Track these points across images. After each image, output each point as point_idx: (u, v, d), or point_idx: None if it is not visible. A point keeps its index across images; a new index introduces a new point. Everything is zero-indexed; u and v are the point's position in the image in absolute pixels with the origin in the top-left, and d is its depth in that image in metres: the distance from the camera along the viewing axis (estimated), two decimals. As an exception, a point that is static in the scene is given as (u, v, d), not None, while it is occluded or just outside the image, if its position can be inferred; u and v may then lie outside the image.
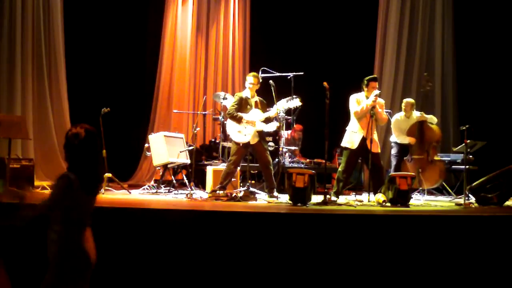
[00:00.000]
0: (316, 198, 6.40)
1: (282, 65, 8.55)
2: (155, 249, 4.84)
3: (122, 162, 8.85)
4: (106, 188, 7.18)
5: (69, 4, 9.07)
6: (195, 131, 7.72)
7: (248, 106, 7.02)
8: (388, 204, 6.50)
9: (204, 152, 8.90)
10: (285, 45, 10.44)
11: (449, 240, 5.14)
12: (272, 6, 10.56)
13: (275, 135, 8.24)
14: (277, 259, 4.92)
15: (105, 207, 5.27)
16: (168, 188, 7.69)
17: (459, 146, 7.97)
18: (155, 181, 8.06)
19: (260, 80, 7.21)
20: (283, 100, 7.44)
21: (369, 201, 6.71)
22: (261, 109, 7.05)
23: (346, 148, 6.91)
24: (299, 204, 6.15)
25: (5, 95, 8.18)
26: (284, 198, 6.63)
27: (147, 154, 8.28)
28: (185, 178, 7.73)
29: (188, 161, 7.75)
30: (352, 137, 6.85)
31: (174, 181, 7.92)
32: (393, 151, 7.94)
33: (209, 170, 7.63)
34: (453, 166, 8.59)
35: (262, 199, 6.77)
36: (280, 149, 8.17)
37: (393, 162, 7.84)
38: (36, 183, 7.43)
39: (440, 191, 8.41)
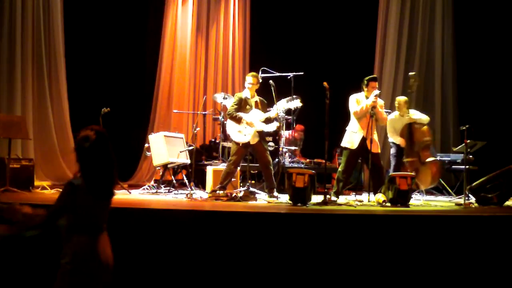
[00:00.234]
0: (316, 198, 6.40)
1: (282, 65, 8.55)
2: (155, 249, 4.84)
3: (122, 162, 8.80)
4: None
5: (69, 4, 9.06)
6: (195, 131, 7.72)
7: (248, 106, 7.02)
8: (388, 204, 6.50)
9: (204, 152, 8.90)
10: (285, 45, 10.43)
11: (449, 240, 5.14)
12: (272, 6, 10.56)
13: (275, 135, 8.24)
14: (277, 259, 4.92)
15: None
16: (168, 188, 7.69)
17: (459, 146, 7.96)
18: (155, 181, 8.05)
19: (260, 80, 7.21)
20: (283, 100, 7.45)
21: (369, 201, 6.71)
22: (262, 109, 7.05)
23: (346, 148, 6.91)
24: (299, 204, 6.15)
25: (5, 95, 8.18)
26: (284, 198, 6.62)
27: (147, 154, 8.28)
28: (185, 178, 7.73)
29: (188, 161, 7.75)
30: (352, 137, 6.85)
31: (174, 181, 7.92)
32: (392, 151, 7.93)
33: (209, 170, 7.64)
34: (453, 166, 8.59)
35: (262, 199, 6.77)
36: (280, 149, 8.17)
37: (392, 162, 7.84)
38: (36, 183, 7.44)
39: (440, 191, 8.41)
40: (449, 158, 8.66)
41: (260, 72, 8.02)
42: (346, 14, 10.44)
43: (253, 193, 6.85)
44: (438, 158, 7.69)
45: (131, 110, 9.71)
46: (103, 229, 3.08)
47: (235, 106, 7.01)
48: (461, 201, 6.94)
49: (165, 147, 7.60)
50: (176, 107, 9.83)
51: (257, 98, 7.13)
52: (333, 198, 6.70)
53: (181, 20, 10.13)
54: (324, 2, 10.56)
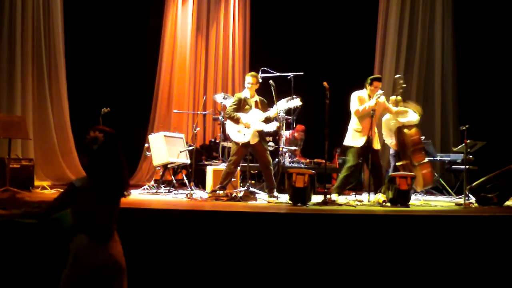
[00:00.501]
0: (316, 198, 6.40)
1: (282, 65, 8.55)
2: (155, 249, 4.84)
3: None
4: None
5: (69, 4, 9.07)
6: (195, 131, 7.72)
7: (247, 106, 7.01)
8: (388, 204, 6.50)
9: (204, 152, 8.90)
10: (285, 45, 10.43)
11: (449, 240, 5.14)
12: (272, 6, 10.56)
13: (275, 135, 8.24)
14: (277, 259, 4.92)
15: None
16: (168, 188, 7.69)
17: (459, 146, 7.96)
18: (155, 181, 8.05)
19: (260, 80, 7.21)
20: (283, 100, 7.44)
21: (369, 201, 6.71)
22: (262, 108, 7.04)
23: (351, 147, 6.88)
24: (299, 204, 6.15)
25: (5, 95, 8.18)
26: (284, 198, 6.63)
27: (147, 154, 8.28)
28: (185, 178, 7.73)
29: (188, 161, 7.75)
30: (355, 136, 6.83)
31: (174, 181, 7.92)
32: (392, 151, 7.92)
33: (209, 170, 7.63)
34: (453, 166, 8.59)
35: (262, 199, 6.77)
36: (280, 149, 8.17)
37: (392, 162, 7.84)
38: (36, 183, 7.44)
39: (440, 191, 8.41)
40: (449, 158, 8.67)
41: (260, 72, 8.02)
42: (346, 14, 10.45)
43: (253, 193, 6.85)
44: (436, 158, 7.63)
45: (131, 110, 9.70)
46: (110, 232, 3.01)
47: (234, 106, 7.01)
48: (461, 201, 6.94)
49: (165, 147, 7.60)
50: (176, 107, 9.82)
51: (257, 98, 7.13)
52: (334, 195, 6.69)
53: (181, 20, 10.13)
54: (324, 2, 10.56)
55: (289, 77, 8.19)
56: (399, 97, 7.64)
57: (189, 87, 10.19)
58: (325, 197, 6.38)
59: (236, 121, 6.90)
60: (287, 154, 8.55)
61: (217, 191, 6.81)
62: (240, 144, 6.90)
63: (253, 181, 8.13)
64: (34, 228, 3.30)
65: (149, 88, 10.10)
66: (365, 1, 10.40)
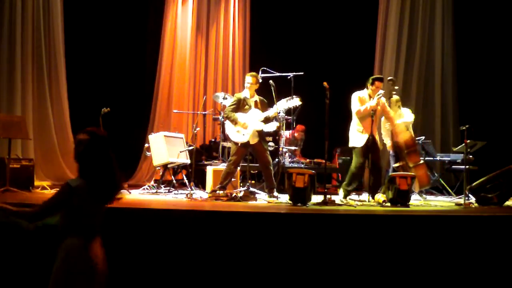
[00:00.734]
0: (316, 198, 6.40)
1: (282, 65, 8.55)
2: (155, 249, 4.84)
3: (122, 162, 8.81)
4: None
5: (69, 4, 9.07)
6: (195, 131, 7.72)
7: (247, 106, 7.01)
8: (388, 204, 6.50)
9: (204, 152, 8.90)
10: (285, 45, 10.43)
11: (449, 240, 5.14)
12: (272, 6, 10.56)
13: (275, 135, 8.24)
14: (277, 259, 4.91)
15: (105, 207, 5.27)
16: (168, 188, 7.69)
17: (459, 146, 7.96)
18: (155, 181, 8.05)
19: (260, 80, 7.20)
20: (283, 100, 7.44)
21: (369, 201, 6.71)
22: (261, 108, 7.04)
23: (354, 148, 6.88)
24: (299, 204, 6.15)
25: (5, 95, 8.19)
26: (284, 198, 6.62)
27: (147, 154, 8.28)
28: (185, 178, 7.73)
29: (188, 161, 7.75)
30: (358, 136, 6.82)
31: (174, 181, 7.92)
32: (392, 151, 7.90)
33: (209, 170, 7.63)
34: (453, 166, 8.59)
35: (262, 199, 6.77)
36: (280, 149, 8.17)
37: (392, 162, 7.83)
38: (36, 183, 7.44)
39: (440, 191, 8.41)
40: (449, 158, 8.66)
41: (260, 72, 8.02)
42: (346, 14, 10.45)
43: (253, 193, 6.85)
44: (423, 161, 7.55)
45: (131, 110, 9.71)
46: (97, 233, 3.04)
47: (232, 107, 7.01)
48: (461, 201, 6.94)
49: (165, 147, 7.60)
50: (176, 107, 9.83)
51: (256, 97, 7.12)
52: (340, 196, 6.68)
53: (181, 20, 10.13)
54: (324, 2, 10.55)
55: (289, 77, 8.19)
56: (397, 97, 7.64)
57: (189, 87, 10.19)
58: (325, 197, 6.38)
59: (234, 122, 6.90)
60: (287, 154, 8.56)
61: (217, 191, 6.81)
62: (240, 144, 6.90)
63: (253, 181, 8.13)
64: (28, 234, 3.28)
65: (149, 88, 10.10)
66: (365, 1, 10.39)
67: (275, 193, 6.84)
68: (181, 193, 7.23)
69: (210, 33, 10.39)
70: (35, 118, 8.47)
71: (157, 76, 10.08)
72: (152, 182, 8.07)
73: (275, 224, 5.14)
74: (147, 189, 7.60)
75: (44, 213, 2.96)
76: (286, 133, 8.58)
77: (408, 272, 5.01)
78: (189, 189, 7.02)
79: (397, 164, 7.41)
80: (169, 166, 7.82)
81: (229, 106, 7.09)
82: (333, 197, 6.65)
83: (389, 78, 7.52)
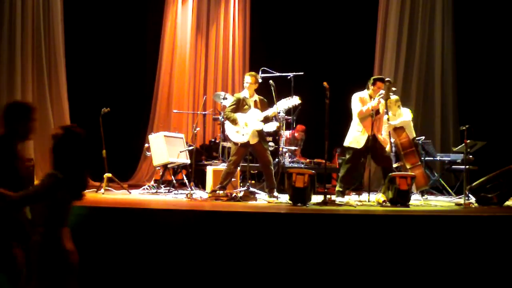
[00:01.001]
0: (316, 198, 6.40)
1: (282, 65, 8.55)
2: (155, 249, 4.84)
3: (122, 162, 8.85)
4: (106, 188, 7.18)
5: (69, 4, 9.07)
6: (195, 131, 7.72)
7: (246, 106, 7.00)
8: (388, 204, 6.50)
9: (204, 152, 8.90)
10: (285, 45, 10.43)
11: (449, 240, 5.14)
12: (272, 6, 10.56)
13: (275, 135, 8.24)
14: (277, 259, 4.91)
15: (105, 207, 5.28)
16: (168, 188, 7.69)
17: (459, 146, 7.96)
18: (155, 181, 8.05)
19: (259, 80, 7.20)
20: (283, 100, 7.44)
21: (369, 201, 6.71)
22: (261, 108, 7.03)
23: (350, 148, 6.86)
24: (299, 204, 6.15)
25: (5, 95, 8.17)
26: (284, 198, 6.62)
27: (147, 154, 8.28)
28: (185, 178, 7.73)
29: (188, 161, 7.75)
30: (357, 137, 6.80)
31: (174, 181, 7.92)
32: (393, 150, 7.89)
33: (209, 170, 7.63)
34: (453, 166, 8.58)
35: (262, 199, 6.77)
36: (280, 149, 8.17)
37: (392, 162, 7.81)
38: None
39: (440, 191, 8.41)
40: (449, 158, 8.66)
41: (260, 72, 8.02)
42: (346, 14, 10.45)
43: (253, 193, 6.85)
44: (420, 162, 7.54)
45: (131, 110, 9.71)
46: (66, 224, 3.08)
47: (232, 107, 7.01)
48: (461, 201, 6.94)
49: (165, 147, 7.60)
50: (176, 107, 9.82)
51: (256, 97, 7.11)
52: (339, 198, 6.69)
53: (181, 20, 10.13)
54: (324, 2, 10.56)
55: (289, 77, 8.19)
56: (396, 97, 7.63)
57: (189, 87, 10.19)
58: (325, 197, 6.38)
59: (234, 122, 6.90)
60: (287, 154, 8.56)
61: (217, 191, 6.81)
62: (240, 144, 6.90)
63: (253, 181, 8.13)
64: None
65: (149, 88, 10.10)
66: (365, 1, 10.39)
67: (275, 193, 6.84)
68: (181, 193, 7.23)
69: (210, 33, 10.39)
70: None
71: (157, 76, 10.08)
72: (152, 182, 8.06)
73: (275, 224, 5.14)
74: (147, 189, 7.60)
75: (25, 202, 3.01)
76: (286, 133, 8.58)
77: (408, 272, 5.01)
78: (189, 189, 7.02)
79: (397, 164, 7.41)
80: (169, 166, 7.82)
81: (229, 106, 7.09)
82: (333, 197, 6.65)
83: (386, 79, 7.54)
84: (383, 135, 7.50)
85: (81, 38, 9.35)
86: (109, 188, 7.31)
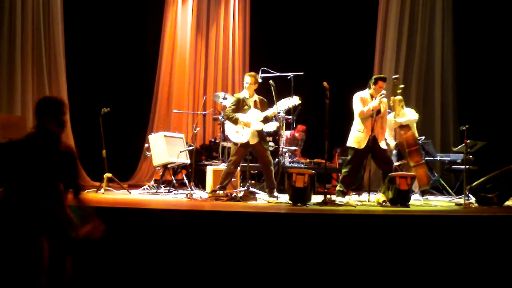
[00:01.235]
0: (316, 198, 6.40)
1: (282, 65, 8.55)
2: (155, 249, 4.84)
3: (122, 162, 8.86)
4: (106, 188, 7.18)
5: (69, 4, 9.07)
6: (195, 131, 7.72)
7: (246, 106, 7.00)
8: (388, 204, 6.50)
9: (204, 152, 8.90)
10: (285, 45, 10.44)
11: (449, 240, 5.14)
12: (272, 6, 10.56)
13: (275, 135, 8.24)
14: (277, 259, 4.91)
15: (105, 207, 5.28)
16: (168, 188, 7.69)
17: (459, 146, 7.96)
18: (155, 181, 8.05)
19: (259, 80, 7.20)
20: (283, 100, 7.44)
21: (369, 201, 6.71)
22: (261, 108, 7.03)
23: (352, 148, 6.85)
24: (299, 204, 6.15)
25: (5, 95, 8.18)
26: (284, 198, 6.62)
27: (147, 154, 8.28)
28: (185, 178, 7.73)
29: (188, 161, 7.76)
30: (358, 137, 6.78)
31: (174, 181, 7.92)
32: (394, 150, 7.89)
33: (209, 170, 7.63)
34: (453, 166, 8.59)
35: (262, 199, 6.77)
36: (280, 149, 8.17)
37: (394, 160, 7.81)
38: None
39: (440, 191, 8.41)
40: (449, 158, 8.66)
41: (260, 72, 8.02)
42: (346, 14, 10.45)
43: (253, 193, 6.85)
44: (423, 161, 7.55)
45: (131, 110, 9.71)
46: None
47: (233, 107, 7.01)
48: (461, 201, 6.94)
49: (165, 147, 7.61)
50: (176, 107, 9.83)
51: (256, 97, 7.11)
52: (339, 198, 6.69)
53: (181, 20, 10.13)
54: (324, 2, 10.56)
55: (289, 77, 8.19)
56: (399, 97, 7.63)
57: (189, 87, 10.19)
58: (325, 197, 6.38)
59: (235, 121, 6.90)
60: (287, 154, 8.56)
61: (217, 191, 6.81)
62: (239, 144, 6.90)
63: (253, 181, 8.13)
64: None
65: (149, 88, 10.10)
66: (365, 1, 10.39)
67: (275, 193, 6.84)
68: (181, 193, 7.23)
69: (210, 33, 10.39)
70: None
71: (157, 76, 10.08)
72: (152, 182, 8.06)
73: (275, 224, 5.14)
74: (147, 189, 7.60)
75: None
76: (286, 133, 8.58)
77: (408, 272, 5.01)
78: (189, 189, 7.02)
79: (399, 163, 7.39)
80: (169, 166, 7.82)
81: (229, 107, 7.09)
82: (333, 197, 6.65)
83: (394, 76, 7.52)
84: (386, 134, 7.50)
85: (81, 38, 9.35)
86: (109, 188, 7.31)
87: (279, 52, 10.18)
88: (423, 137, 8.36)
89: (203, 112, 9.05)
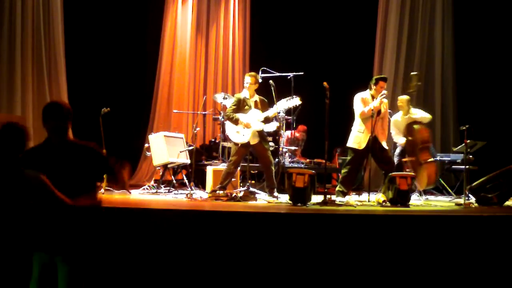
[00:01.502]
0: (316, 198, 6.40)
1: (282, 65, 8.55)
2: (155, 249, 4.84)
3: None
4: (106, 188, 7.18)
5: (69, 4, 9.07)
6: (195, 131, 7.72)
7: (246, 107, 7.00)
8: (388, 204, 6.50)
9: (204, 152, 8.90)
10: (285, 45, 10.43)
11: (449, 240, 5.14)
12: (272, 6, 10.56)
13: (275, 135, 8.24)
14: (277, 259, 4.92)
15: (105, 207, 5.27)
16: (168, 188, 7.70)
17: (459, 146, 7.96)
18: (155, 181, 8.06)
19: (259, 80, 7.20)
20: (283, 100, 7.44)
21: (369, 201, 6.71)
22: (262, 108, 7.03)
23: (352, 149, 6.84)
24: (299, 204, 6.15)
25: (5, 95, 8.19)
26: (284, 198, 6.62)
27: (147, 154, 8.28)
28: (185, 178, 7.73)
29: (188, 161, 7.76)
30: (359, 138, 6.77)
31: (174, 181, 7.92)
32: (397, 151, 7.87)
33: (209, 170, 7.64)
34: (453, 166, 8.58)
35: (262, 199, 6.77)
36: (280, 149, 8.17)
37: (395, 161, 7.81)
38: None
39: (440, 191, 8.41)
40: (449, 158, 8.66)
41: (260, 72, 8.02)
42: (346, 14, 10.45)
43: (253, 193, 6.85)
44: (437, 159, 7.61)
45: (131, 110, 9.71)
46: None
47: (233, 107, 7.01)
48: (461, 201, 6.94)
49: (165, 147, 7.61)
50: (176, 107, 9.83)
51: (256, 97, 7.11)
52: (340, 198, 6.69)
53: (181, 19, 10.13)
54: (324, 2, 10.55)
55: (289, 77, 8.19)
56: (407, 97, 7.64)
57: (189, 87, 10.19)
58: (325, 197, 6.38)
59: (235, 122, 6.90)
60: (287, 154, 8.56)
61: (217, 191, 6.82)
62: (240, 144, 6.90)
63: (253, 181, 8.13)
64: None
65: (149, 88, 10.10)
66: (365, 1, 10.39)
67: (275, 193, 6.84)
68: (181, 193, 7.24)
69: (210, 33, 10.39)
70: (35, 118, 8.46)
71: (157, 76, 10.08)
72: (152, 182, 8.07)
73: (275, 224, 5.14)
74: (147, 189, 7.60)
75: None
76: (287, 133, 8.58)
77: (408, 272, 5.01)
78: (189, 189, 7.02)
79: (407, 159, 7.35)
80: (169, 166, 7.82)
81: (230, 107, 7.09)
82: (333, 197, 6.65)
83: (412, 73, 7.54)
84: (393, 134, 7.49)
85: (81, 38, 9.35)
86: (109, 188, 7.30)
87: (279, 52, 10.17)
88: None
89: (203, 112, 9.05)
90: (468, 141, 7.27)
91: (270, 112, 6.94)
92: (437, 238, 5.13)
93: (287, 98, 7.46)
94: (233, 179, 7.22)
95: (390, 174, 6.63)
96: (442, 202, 7.32)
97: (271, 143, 8.05)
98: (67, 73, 8.97)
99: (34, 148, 3.33)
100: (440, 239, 5.13)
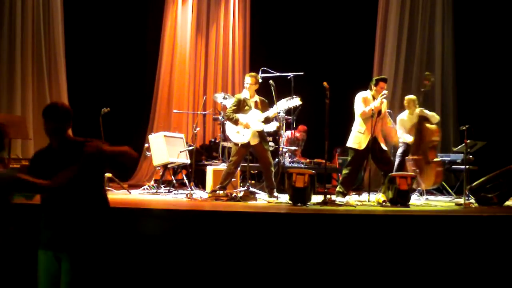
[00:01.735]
0: (316, 198, 6.40)
1: (282, 65, 8.55)
2: (155, 249, 4.84)
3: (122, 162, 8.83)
4: (106, 188, 7.17)
5: (69, 4, 9.07)
6: (195, 131, 7.72)
7: (247, 107, 7.00)
8: (388, 204, 6.50)
9: (204, 152, 8.90)
10: (285, 45, 10.43)
11: (449, 240, 5.14)
12: (272, 6, 10.56)
13: (275, 135, 8.24)
14: (277, 259, 4.92)
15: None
16: (168, 188, 7.69)
17: (459, 146, 7.96)
18: (155, 181, 8.05)
19: (259, 80, 7.19)
20: (283, 100, 7.44)
21: (369, 201, 6.71)
22: (262, 108, 7.03)
23: (352, 149, 6.84)
24: (299, 204, 6.15)
25: (5, 95, 8.19)
26: (284, 198, 6.62)
27: (147, 154, 8.28)
28: (185, 178, 7.73)
29: (188, 161, 7.76)
30: (359, 138, 6.78)
31: (174, 181, 7.92)
32: (399, 150, 7.87)
33: (209, 170, 7.64)
34: (453, 166, 8.58)
35: (262, 199, 6.77)
36: (280, 149, 8.17)
37: (396, 161, 7.81)
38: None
39: (440, 191, 8.40)
40: (449, 158, 8.65)
41: (260, 72, 8.02)
42: (346, 14, 10.44)
43: (253, 193, 6.85)
44: (440, 159, 7.62)
45: (131, 110, 9.71)
46: None
47: (233, 108, 7.01)
48: (461, 201, 6.93)
49: (165, 147, 7.61)
50: (176, 107, 9.83)
51: (257, 98, 7.11)
52: (339, 198, 6.69)
53: (181, 19, 10.13)
54: (324, 2, 10.55)
55: (289, 77, 8.19)
56: (414, 96, 7.64)
57: (189, 87, 10.19)
58: (325, 197, 6.38)
59: (235, 122, 6.90)
60: (287, 154, 8.55)
61: (217, 191, 6.81)
62: (240, 144, 6.90)
63: (253, 181, 8.13)
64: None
65: (149, 88, 10.10)
66: (365, 1, 10.39)
67: (275, 193, 6.84)
68: (181, 193, 7.23)
69: (210, 33, 10.39)
70: (35, 118, 8.46)
71: (157, 76, 10.08)
72: (152, 182, 8.07)
73: (275, 224, 5.15)
74: (147, 189, 7.60)
75: None
76: (287, 133, 8.58)
77: (408, 272, 5.01)
78: (189, 189, 7.02)
79: (414, 157, 7.34)
80: (169, 166, 7.82)
81: (230, 107, 7.09)
82: (333, 197, 6.65)
83: (426, 73, 7.57)
84: (400, 133, 7.47)
85: (81, 38, 9.35)
86: (109, 188, 7.31)
87: (279, 52, 10.17)
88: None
89: (203, 112, 9.05)
90: (468, 141, 7.26)
91: (270, 112, 6.94)
92: (437, 238, 5.14)
93: (287, 98, 7.46)
94: (233, 179, 7.22)
95: (390, 174, 6.63)
96: (442, 202, 7.32)
97: (271, 143, 8.05)
98: (67, 73, 8.98)
99: (39, 153, 3.31)
100: (440, 239, 5.13)
